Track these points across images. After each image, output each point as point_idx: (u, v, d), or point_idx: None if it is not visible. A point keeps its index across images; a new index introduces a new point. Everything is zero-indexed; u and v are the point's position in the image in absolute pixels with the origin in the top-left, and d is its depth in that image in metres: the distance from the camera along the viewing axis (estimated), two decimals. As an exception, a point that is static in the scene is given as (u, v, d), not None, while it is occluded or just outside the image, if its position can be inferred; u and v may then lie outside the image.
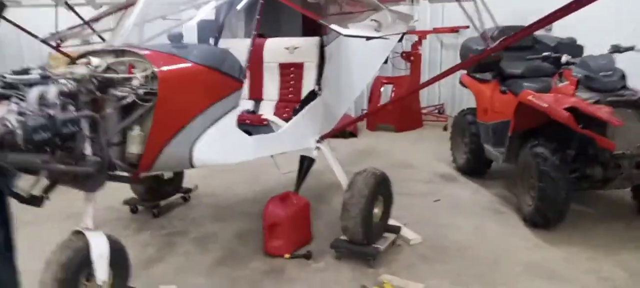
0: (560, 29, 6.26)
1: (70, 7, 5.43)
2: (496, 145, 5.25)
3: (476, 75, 5.73)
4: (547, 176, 4.09)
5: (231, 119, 3.33)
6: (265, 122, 3.88)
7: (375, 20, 3.57)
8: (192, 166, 3.25)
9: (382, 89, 8.66)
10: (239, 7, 4.26)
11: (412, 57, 8.76)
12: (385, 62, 8.62)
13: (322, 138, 4.21)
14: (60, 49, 5.18)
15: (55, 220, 4.55)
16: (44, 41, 4.63)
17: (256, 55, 4.34)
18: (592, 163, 4.27)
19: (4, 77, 2.64)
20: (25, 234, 4.36)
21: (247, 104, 4.38)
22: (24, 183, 2.74)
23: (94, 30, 5.20)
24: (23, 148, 2.41)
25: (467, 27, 7.42)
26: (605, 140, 3.95)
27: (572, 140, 4.27)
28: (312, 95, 4.09)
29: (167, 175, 5.02)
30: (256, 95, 4.40)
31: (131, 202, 5.03)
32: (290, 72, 4.20)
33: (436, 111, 9.51)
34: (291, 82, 4.20)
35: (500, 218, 4.72)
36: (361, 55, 4.70)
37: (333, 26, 3.27)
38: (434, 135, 8.12)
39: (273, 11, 3.87)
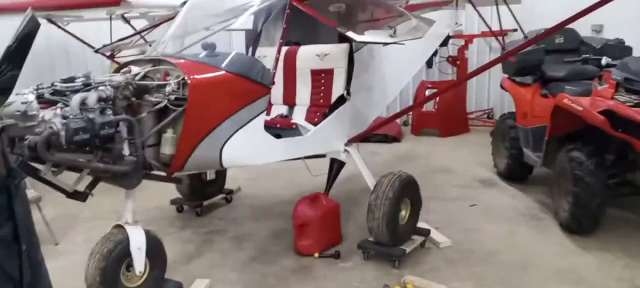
0: (611, 31, 6.04)
1: (126, 20, 5.89)
2: (535, 149, 5.14)
3: (516, 79, 5.62)
4: (582, 181, 3.98)
5: (259, 122, 3.53)
6: (294, 126, 4.06)
7: (390, 27, 3.65)
8: (221, 166, 3.48)
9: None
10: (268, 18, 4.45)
11: (459, 61, 8.65)
12: (430, 66, 8.65)
13: (351, 141, 4.33)
14: (115, 58, 5.65)
15: (112, 218, 4.95)
16: (97, 51, 5.05)
17: (290, 62, 4.54)
18: (632, 168, 4.10)
19: (54, 85, 2.98)
20: (83, 229, 4.87)
21: (281, 109, 4.58)
22: (70, 180, 3.07)
23: (145, 41, 5.63)
24: (66, 148, 2.71)
25: (515, 30, 7.26)
26: (643, 144, 3.79)
27: (610, 144, 4.13)
28: (341, 100, 4.22)
29: (210, 176, 5.32)
30: (290, 101, 4.59)
31: (177, 202, 5.36)
32: (321, 77, 4.35)
33: (485, 116, 9.33)
34: (322, 88, 4.35)
35: (536, 224, 4.62)
36: (395, 61, 4.79)
37: (349, 33, 3.40)
38: (480, 141, 7.96)
39: (310, 20, 4.04)
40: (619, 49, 5.11)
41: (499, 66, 6.13)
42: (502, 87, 6.07)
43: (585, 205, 4.00)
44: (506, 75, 5.88)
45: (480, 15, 4.08)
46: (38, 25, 1.71)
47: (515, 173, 5.75)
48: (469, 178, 6.09)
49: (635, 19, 5.69)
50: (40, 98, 2.80)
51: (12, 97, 2.56)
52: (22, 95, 2.66)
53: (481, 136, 8.37)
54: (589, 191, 3.95)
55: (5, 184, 1.56)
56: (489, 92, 9.47)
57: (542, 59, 5.23)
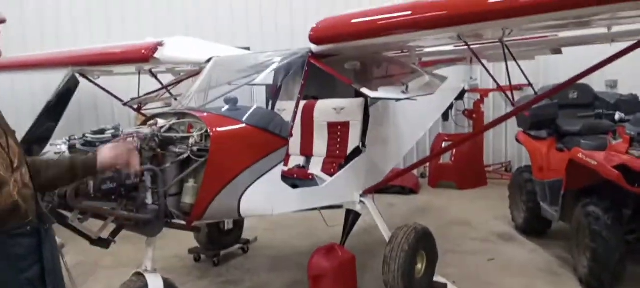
0: (625, 87, 6.11)
1: (153, 75, 6.19)
2: (553, 203, 5.12)
3: (532, 133, 5.67)
4: (599, 236, 3.96)
5: (277, 173, 3.64)
6: (310, 177, 4.16)
7: (403, 83, 3.80)
8: (239, 216, 3.57)
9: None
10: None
11: (475, 114, 8.75)
12: (446, 119, 8.77)
13: (366, 192, 4.40)
14: (142, 111, 5.90)
15: (132, 266, 5.04)
16: (126, 104, 5.30)
17: (308, 115, 4.70)
18: (651, 224, 4.06)
19: (85, 136, 3.16)
20: (103, 276, 4.96)
21: (298, 160, 4.70)
22: (94, 227, 3.20)
23: (171, 94, 5.88)
24: (93, 197, 2.85)
25: (529, 84, 7.37)
26: (660, 199, 3.78)
27: (627, 199, 4.12)
28: (357, 152, 4.32)
29: (228, 226, 5.41)
30: (307, 152, 4.71)
31: (195, 251, 5.43)
32: (338, 130, 4.48)
33: (502, 169, 9.31)
34: (338, 140, 4.47)
35: (554, 279, 4.55)
36: (411, 114, 4.92)
37: (363, 90, 3.55)
38: (498, 194, 7.91)
39: (327, 75, 4.22)
40: (632, 104, 5.16)
41: (514, 121, 6.24)
42: (517, 140, 6.11)
43: (604, 261, 3.95)
44: (521, 129, 5.95)
45: (488, 72, 4.20)
46: (77, 83, 1.89)
47: (534, 227, 5.71)
48: (487, 232, 6.05)
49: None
50: (72, 148, 2.97)
51: (46, 147, 2.74)
52: (56, 146, 2.84)
53: (499, 189, 8.32)
54: (607, 246, 3.91)
55: (36, 228, 1.65)
56: (506, 145, 9.49)
57: (557, 114, 5.30)
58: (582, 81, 4.77)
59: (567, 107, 5.56)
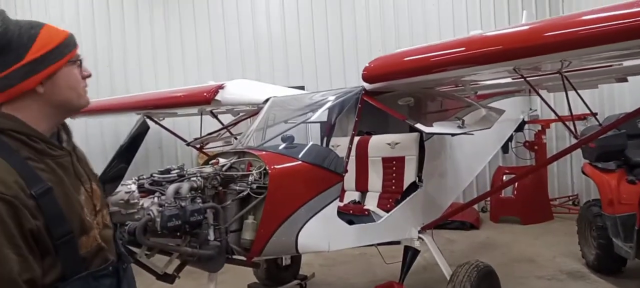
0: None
1: (214, 115, 6.49)
2: (626, 240, 4.80)
3: (599, 165, 5.40)
4: (680, 275, 3.67)
5: (332, 208, 3.69)
6: (366, 213, 4.16)
7: (458, 118, 3.76)
8: (297, 252, 3.63)
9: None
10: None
11: (536, 146, 8.44)
12: (506, 151, 8.51)
13: (425, 228, 4.33)
14: (203, 150, 6.17)
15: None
16: (189, 144, 5.56)
17: (362, 151, 4.74)
18: None
19: (152, 176, 3.35)
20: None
21: (354, 195, 4.73)
22: (160, 263, 3.35)
23: (231, 134, 6.13)
24: (160, 233, 3.01)
25: (596, 114, 7.06)
26: None
27: None
28: (414, 187, 4.29)
29: (286, 262, 5.47)
30: (362, 188, 4.73)
31: (254, 287, 5.51)
32: (392, 165, 4.48)
33: (569, 202, 8.85)
34: (393, 175, 4.46)
35: (631, 321, 4.24)
36: (468, 147, 4.85)
37: (417, 125, 3.55)
38: (565, 229, 7.52)
39: (381, 112, 4.27)
40: None
41: (579, 152, 5.98)
42: (583, 172, 5.83)
43: (686, 301, 3.65)
44: (587, 161, 5.68)
45: (547, 103, 4.09)
46: (148, 128, 2.03)
47: (606, 265, 5.36)
48: (555, 270, 5.74)
49: None
50: (140, 188, 3.16)
51: (118, 187, 2.93)
52: (126, 185, 3.03)
53: (566, 224, 7.91)
54: (689, 286, 3.62)
55: (115, 268, 1.68)
56: (572, 178, 9.06)
57: (625, 144, 5.03)
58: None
59: (636, 136, 5.27)
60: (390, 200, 4.36)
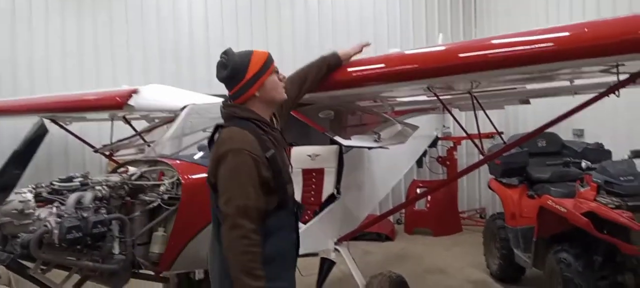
0: (591, 136, 6.32)
1: (127, 121, 6.14)
2: (525, 250, 5.17)
3: (503, 180, 5.78)
4: (572, 282, 3.99)
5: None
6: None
7: (375, 132, 3.86)
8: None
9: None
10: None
11: (448, 161, 8.89)
12: (420, 166, 8.85)
13: (341, 240, 4.36)
14: (113, 157, 5.82)
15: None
16: (97, 151, 5.22)
17: (282, 163, 4.69)
18: (621, 270, 4.12)
19: (52, 184, 3.08)
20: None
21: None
22: (58, 278, 3.08)
23: (144, 141, 5.82)
24: (58, 246, 2.76)
25: (502, 133, 7.57)
26: (627, 245, 3.85)
27: (598, 245, 4.18)
28: (332, 199, 4.32)
29: (198, 276, 5.25)
30: (281, 199, 4.67)
31: (164, 302, 5.24)
32: (312, 177, 4.48)
33: (477, 215, 9.39)
34: (313, 187, 4.46)
35: (529, 327, 4.53)
36: (385, 160, 4.97)
37: (336, 138, 3.59)
38: (473, 240, 7.95)
39: (303, 123, 4.25)
40: (598, 153, 5.32)
41: (486, 168, 6.38)
42: (489, 187, 6.21)
43: (576, 307, 3.97)
44: (493, 176, 6.05)
45: (457, 121, 4.32)
46: (46, 131, 1.86)
47: (508, 274, 5.73)
48: (462, 280, 6.04)
49: (612, 124, 6.00)
50: (38, 197, 2.90)
51: (11, 196, 2.66)
52: (20, 194, 2.76)
53: (474, 235, 8.37)
54: (579, 293, 3.94)
55: (296, 209, 2.64)
56: (480, 191, 9.61)
57: (527, 161, 5.43)
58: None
59: (536, 155, 5.70)
60: (309, 212, 4.34)
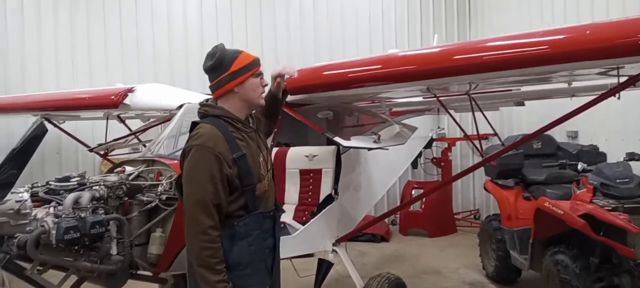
0: (585, 138, 6.36)
1: (121, 120, 6.09)
2: (522, 252, 5.18)
3: (499, 182, 5.79)
4: (568, 284, 4.00)
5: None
6: (282, 225, 4.09)
7: (374, 132, 3.86)
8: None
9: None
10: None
11: (443, 163, 8.91)
12: (415, 167, 8.87)
13: (339, 240, 4.35)
14: (108, 157, 5.76)
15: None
16: (92, 150, 5.16)
17: (280, 163, 4.67)
18: (617, 272, 4.14)
19: (49, 184, 3.04)
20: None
21: (269, 208, 4.63)
22: (55, 279, 3.04)
23: (140, 141, 5.77)
24: (55, 247, 2.72)
25: (495, 134, 7.60)
26: (624, 247, 3.87)
27: (595, 247, 4.20)
28: (329, 200, 4.30)
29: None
30: (278, 200, 4.64)
31: (160, 303, 5.20)
32: (310, 177, 4.47)
33: (471, 216, 9.42)
34: (310, 187, 4.44)
35: (525, 328, 4.55)
36: (382, 161, 4.97)
37: (335, 138, 3.58)
38: (468, 241, 7.98)
39: (300, 123, 4.24)
40: (593, 155, 5.34)
41: (481, 169, 6.40)
42: (485, 188, 6.22)
43: (573, 309, 3.98)
44: (489, 178, 6.06)
45: (456, 122, 4.32)
46: (46, 131, 1.83)
47: (504, 275, 5.74)
48: (458, 281, 6.04)
49: (606, 126, 6.04)
50: (34, 197, 2.85)
51: (7, 196, 2.62)
52: (17, 194, 2.72)
53: (469, 237, 8.40)
54: (576, 295, 3.95)
55: (274, 213, 2.62)
56: (474, 193, 9.64)
57: (522, 163, 5.44)
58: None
59: (532, 156, 5.72)
60: (306, 212, 4.33)
